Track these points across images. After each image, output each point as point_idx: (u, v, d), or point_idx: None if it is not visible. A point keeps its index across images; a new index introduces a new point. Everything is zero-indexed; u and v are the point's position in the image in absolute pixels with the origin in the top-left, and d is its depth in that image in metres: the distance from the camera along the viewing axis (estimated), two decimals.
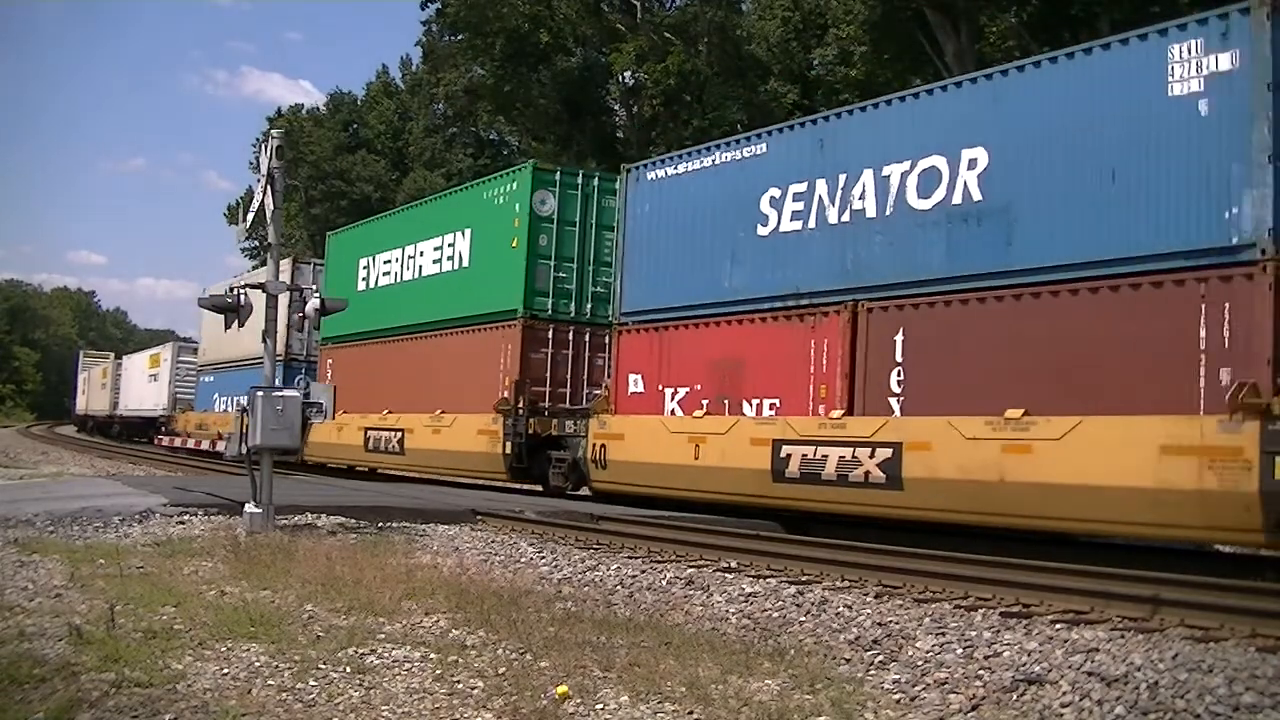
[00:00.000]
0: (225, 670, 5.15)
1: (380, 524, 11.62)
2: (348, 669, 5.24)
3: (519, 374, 16.44)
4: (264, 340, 11.11)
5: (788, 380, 12.68)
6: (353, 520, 11.60)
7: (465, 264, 18.28)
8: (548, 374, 16.74)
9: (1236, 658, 5.46)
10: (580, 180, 17.28)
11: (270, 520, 10.33)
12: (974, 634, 6.29)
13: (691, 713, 4.71)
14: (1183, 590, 7.07)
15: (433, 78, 48.79)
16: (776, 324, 13.00)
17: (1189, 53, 9.57)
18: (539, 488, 16.72)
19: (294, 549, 8.94)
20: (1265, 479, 8.34)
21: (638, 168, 15.62)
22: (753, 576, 8.67)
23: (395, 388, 19.53)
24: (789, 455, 12.23)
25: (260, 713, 4.56)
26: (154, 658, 5.27)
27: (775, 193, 13.15)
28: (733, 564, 9.39)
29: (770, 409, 12.90)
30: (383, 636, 5.99)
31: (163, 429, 35.75)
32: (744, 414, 13.13)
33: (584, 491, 16.10)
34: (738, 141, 14.21)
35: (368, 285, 21.39)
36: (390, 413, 19.45)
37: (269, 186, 10.83)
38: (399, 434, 19.00)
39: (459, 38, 39.82)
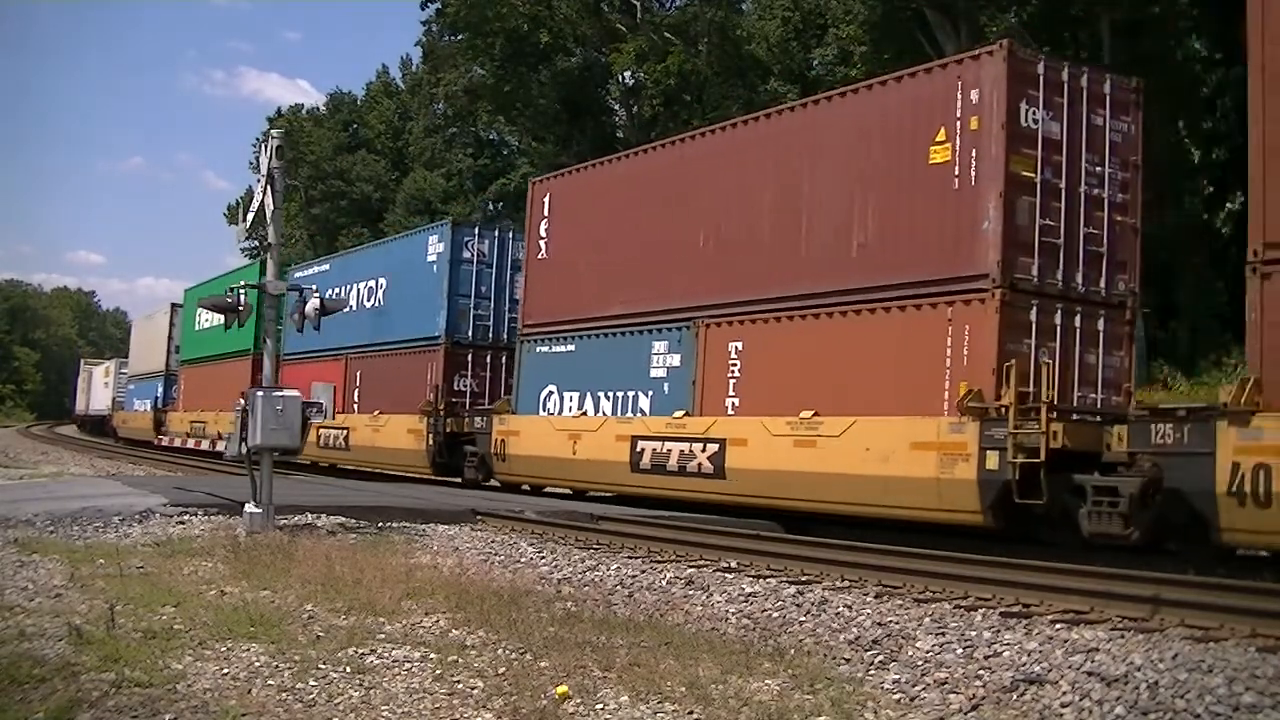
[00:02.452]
0: (225, 670, 5.15)
1: (380, 524, 11.62)
2: (348, 669, 5.24)
3: (247, 383, 27.97)
4: (264, 340, 11.13)
5: (353, 400, 22.71)
6: (353, 520, 11.60)
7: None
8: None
9: (1236, 658, 5.46)
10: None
11: (270, 520, 10.33)
12: (974, 634, 6.29)
13: (691, 713, 4.71)
14: (1183, 590, 7.07)
15: (433, 78, 48.76)
16: (331, 363, 23.08)
17: (435, 241, 20.06)
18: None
19: (294, 549, 8.94)
20: (428, 443, 19.33)
21: (290, 267, 26.50)
22: (753, 576, 8.67)
23: (205, 393, 31.07)
24: (323, 434, 22.23)
25: (260, 713, 4.56)
26: (154, 658, 5.27)
27: (331, 293, 22.10)
28: (733, 564, 9.39)
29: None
30: (383, 636, 5.99)
31: (108, 424, 45.67)
32: None
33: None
34: (320, 261, 28.20)
35: (195, 328, 32.04)
36: (203, 410, 31.03)
37: (269, 186, 10.84)
38: (210, 421, 29.92)
39: (459, 38, 39.78)
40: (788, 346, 12.77)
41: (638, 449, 14.35)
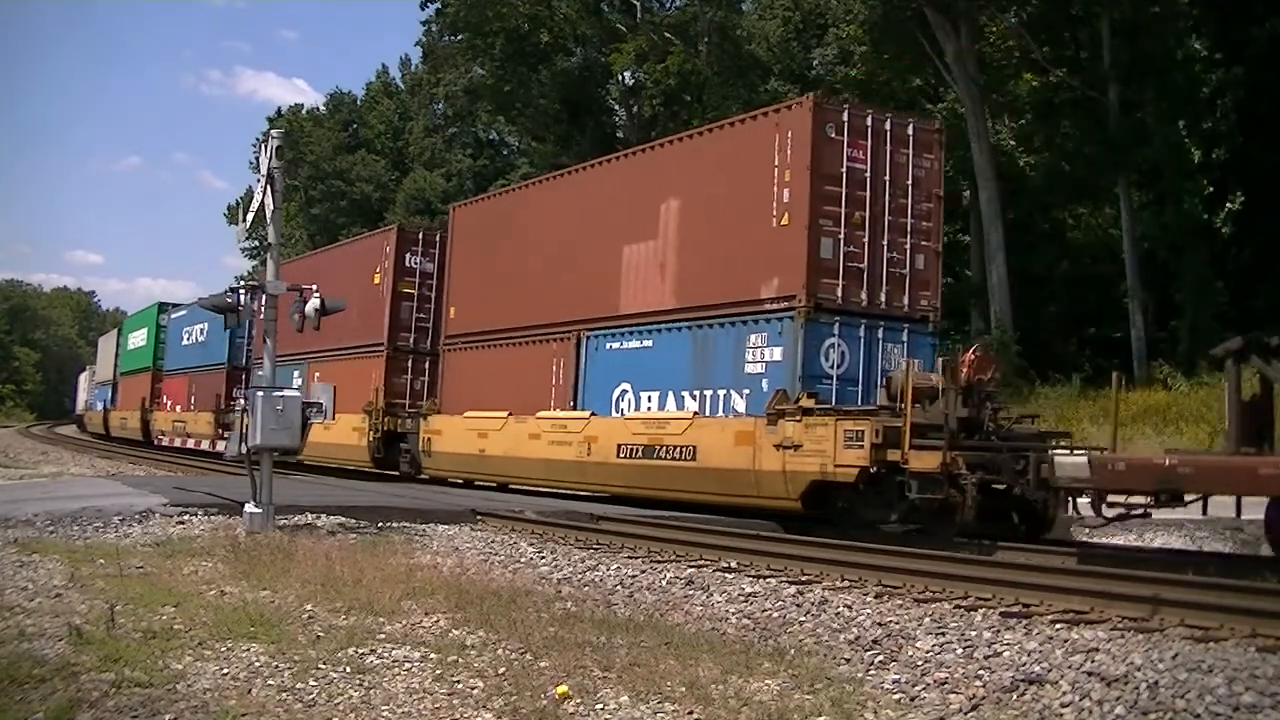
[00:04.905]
0: (225, 670, 5.15)
1: (380, 524, 11.62)
2: (348, 669, 5.24)
3: (149, 394, 36.37)
4: (264, 340, 11.15)
5: (190, 402, 32.11)
6: (352, 520, 11.60)
7: (142, 344, 38.44)
8: (168, 399, 35.80)
9: (1236, 658, 5.45)
10: (185, 309, 34.76)
11: (270, 520, 10.33)
12: (974, 634, 6.28)
13: (691, 713, 4.71)
14: (1183, 590, 7.07)
15: (433, 78, 48.77)
16: (184, 378, 32.99)
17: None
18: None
19: (294, 549, 8.94)
20: (215, 429, 28.49)
21: (169, 308, 36.45)
22: (753, 576, 8.67)
23: (129, 397, 40.40)
24: (175, 424, 32.62)
25: (260, 713, 4.56)
26: (154, 658, 5.27)
27: (187, 330, 33.16)
28: (733, 564, 9.38)
29: (178, 409, 33.36)
30: (383, 636, 5.99)
31: (82, 421, 55.55)
32: (166, 409, 34.76)
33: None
34: (182, 306, 35.44)
35: (128, 348, 41.30)
36: (127, 410, 39.83)
37: (269, 186, 10.85)
38: (129, 418, 39.48)
39: (459, 38, 39.79)
40: (333, 375, 21.25)
41: None
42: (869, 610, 7.15)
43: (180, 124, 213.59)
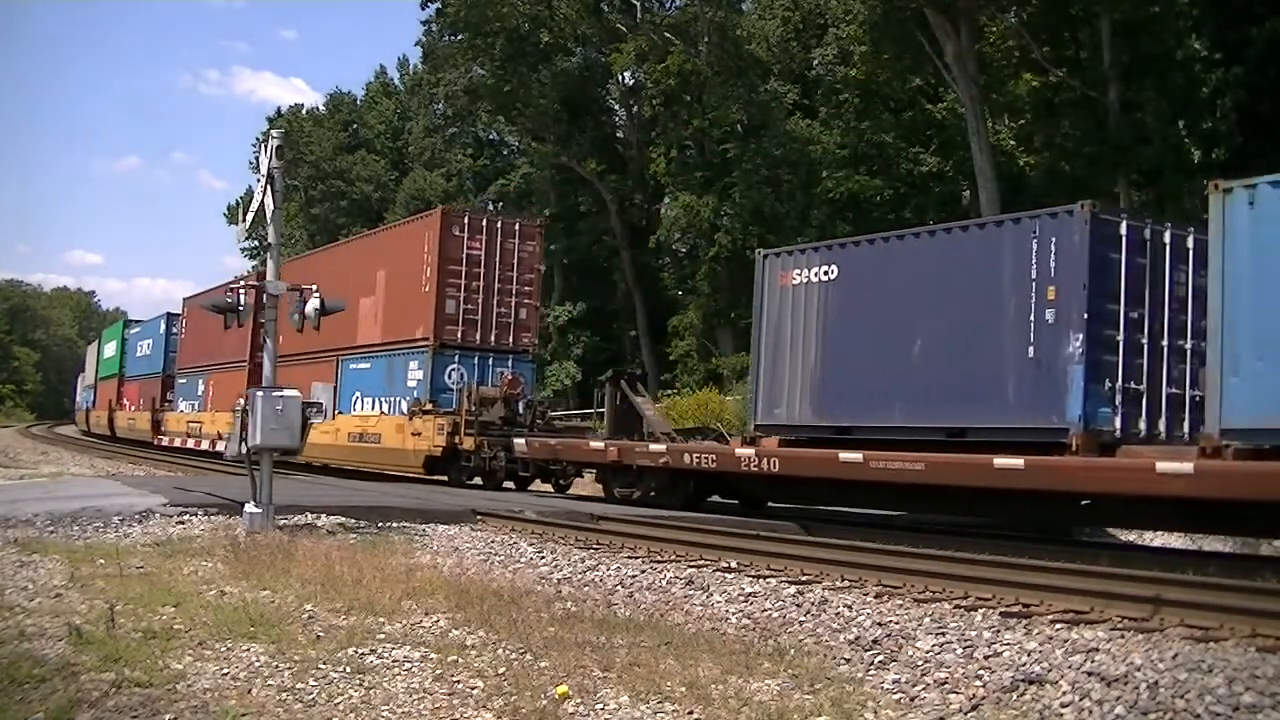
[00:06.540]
0: (225, 670, 5.15)
1: (380, 524, 11.62)
2: (348, 669, 5.24)
3: (115, 393, 41.37)
4: (264, 340, 11.15)
5: (140, 403, 38.10)
6: (353, 520, 11.60)
7: (112, 354, 42.90)
8: (127, 401, 40.69)
9: (1236, 658, 5.45)
10: (151, 320, 39.46)
11: (270, 520, 10.33)
12: (974, 634, 6.29)
13: (691, 713, 4.71)
14: (1183, 590, 7.07)
15: (433, 78, 48.73)
16: (137, 384, 38.84)
17: (162, 323, 36.63)
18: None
19: (294, 549, 8.94)
20: (151, 425, 35.88)
21: (133, 323, 42.26)
22: (753, 576, 8.67)
23: (103, 399, 44.50)
24: (130, 422, 39.08)
25: (260, 713, 4.57)
26: (154, 658, 5.27)
27: (140, 343, 38.91)
28: (733, 564, 9.39)
29: (132, 409, 39.02)
30: (383, 636, 5.99)
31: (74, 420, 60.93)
32: (126, 409, 39.81)
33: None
34: (138, 323, 42.23)
35: (104, 356, 45.22)
36: (101, 409, 44.72)
37: (269, 186, 10.86)
38: (100, 416, 44.43)
39: (459, 38, 39.74)
40: (221, 382, 26.79)
41: (190, 425, 30.56)
42: (869, 610, 7.15)
43: (179, 124, 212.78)
